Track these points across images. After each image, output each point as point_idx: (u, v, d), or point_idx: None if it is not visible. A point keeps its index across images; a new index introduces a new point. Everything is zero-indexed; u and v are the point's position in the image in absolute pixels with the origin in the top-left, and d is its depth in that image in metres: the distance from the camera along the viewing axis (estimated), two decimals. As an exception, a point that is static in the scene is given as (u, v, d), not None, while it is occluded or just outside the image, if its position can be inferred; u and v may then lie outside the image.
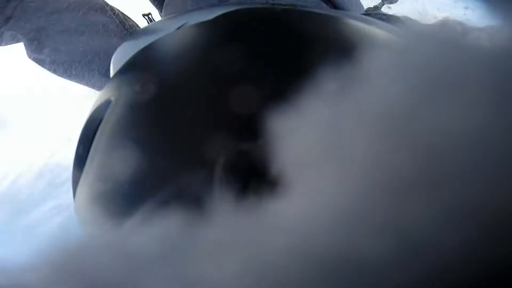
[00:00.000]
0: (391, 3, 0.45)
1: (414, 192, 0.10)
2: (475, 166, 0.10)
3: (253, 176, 0.16)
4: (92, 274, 0.11)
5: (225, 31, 0.23)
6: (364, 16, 0.26)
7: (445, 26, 0.13)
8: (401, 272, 0.10)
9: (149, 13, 0.48)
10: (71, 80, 0.53)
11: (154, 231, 0.13)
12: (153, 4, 0.54)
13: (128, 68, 0.25)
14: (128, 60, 0.26)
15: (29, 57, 0.50)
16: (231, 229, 0.12)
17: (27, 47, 0.49)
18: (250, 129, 0.16)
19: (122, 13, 0.51)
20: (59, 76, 0.52)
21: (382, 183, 0.11)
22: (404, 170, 0.11)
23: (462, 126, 0.11)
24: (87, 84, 0.52)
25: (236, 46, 0.21)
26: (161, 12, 0.51)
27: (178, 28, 0.27)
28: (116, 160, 0.21)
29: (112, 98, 0.23)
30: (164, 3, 0.46)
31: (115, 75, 0.26)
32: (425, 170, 0.11)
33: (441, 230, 0.10)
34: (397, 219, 0.10)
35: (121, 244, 0.13)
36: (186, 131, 0.19)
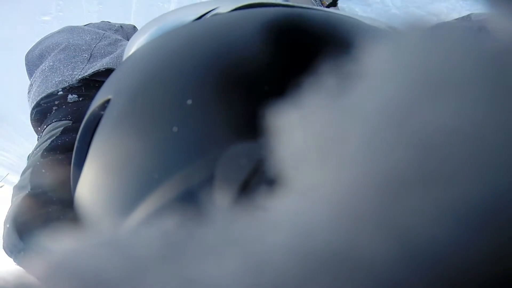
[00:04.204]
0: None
1: (415, 190, 0.10)
2: (477, 164, 0.10)
3: (254, 175, 0.16)
4: (93, 273, 0.11)
5: (228, 30, 0.23)
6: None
7: (445, 23, 0.13)
8: (403, 271, 0.10)
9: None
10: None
11: (154, 229, 0.13)
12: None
13: (129, 64, 0.25)
14: (129, 56, 0.26)
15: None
16: (231, 228, 0.12)
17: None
18: (252, 127, 0.16)
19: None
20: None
21: (386, 181, 0.11)
22: (406, 168, 0.11)
23: (463, 124, 0.11)
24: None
25: (239, 45, 0.21)
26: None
27: (179, 26, 0.27)
28: (117, 158, 0.21)
29: (112, 95, 0.23)
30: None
31: (116, 71, 0.26)
32: (426, 169, 0.11)
33: (443, 229, 0.10)
34: (398, 217, 0.10)
35: (122, 242, 0.13)
36: (187, 129, 0.19)
